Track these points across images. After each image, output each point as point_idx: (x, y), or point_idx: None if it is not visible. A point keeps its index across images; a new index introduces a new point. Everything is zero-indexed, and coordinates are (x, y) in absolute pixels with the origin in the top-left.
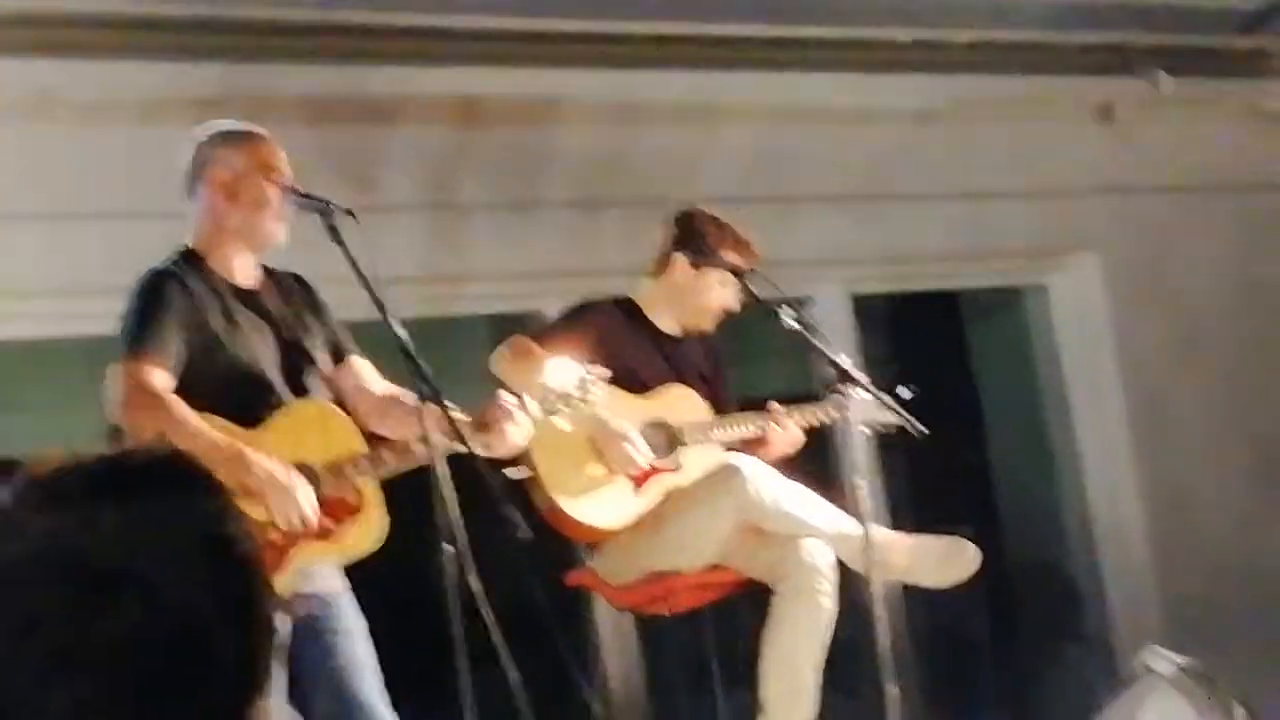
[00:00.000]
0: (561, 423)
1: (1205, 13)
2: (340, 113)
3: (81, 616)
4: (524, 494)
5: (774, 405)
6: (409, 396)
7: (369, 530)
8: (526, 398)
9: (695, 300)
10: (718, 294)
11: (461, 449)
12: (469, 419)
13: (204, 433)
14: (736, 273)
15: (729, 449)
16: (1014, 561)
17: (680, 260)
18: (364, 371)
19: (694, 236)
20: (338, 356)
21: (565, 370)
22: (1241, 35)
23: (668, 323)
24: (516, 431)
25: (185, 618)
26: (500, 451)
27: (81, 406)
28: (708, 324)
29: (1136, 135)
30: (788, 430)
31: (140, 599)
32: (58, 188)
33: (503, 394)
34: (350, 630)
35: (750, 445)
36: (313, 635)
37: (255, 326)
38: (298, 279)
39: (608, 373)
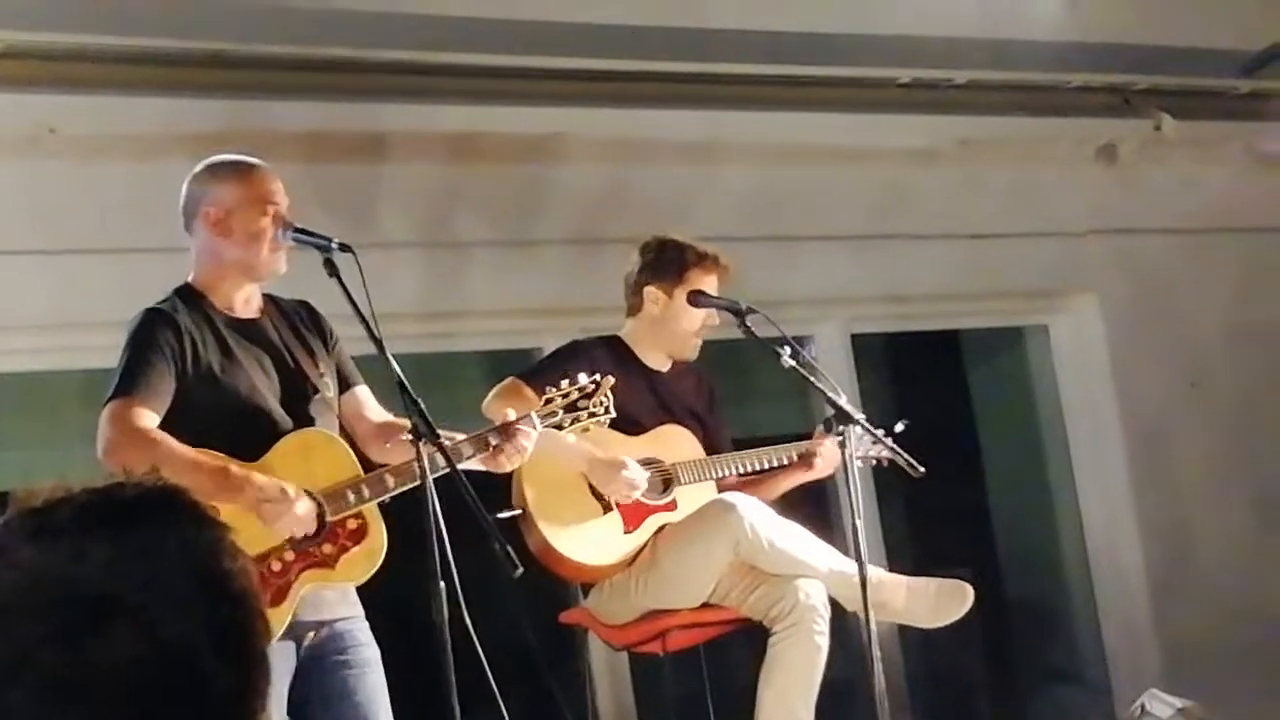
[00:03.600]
0: (569, 436)
1: (1208, 55)
2: (339, 148)
3: (74, 647)
4: (517, 532)
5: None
6: (405, 424)
7: (371, 555)
8: (532, 414)
9: (673, 328)
10: (694, 316)
11: (460, 466)
12: (472, 436)
13: (196, 460)
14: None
15: (726, 488)
16: (1011, 602)
17: (650, 292)
18: (366, 400)
19: (658, 264)
20: (344, 385)
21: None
22: (1243, 78)
23: (655, 358)
24: (517, 452)
25: (178, 649)
26: (502, 466)
27: (77, 440)
28: (691, 351)
29: (1138, 176)
30: (830, 455)
31: (133, 630)
32: (57, 222)
33: (509, 412)
34: (365, 661)
35: (748, 483)
36: (326, 667)
37: (254, 357)
38: (306, 307)
39: (611, 380)
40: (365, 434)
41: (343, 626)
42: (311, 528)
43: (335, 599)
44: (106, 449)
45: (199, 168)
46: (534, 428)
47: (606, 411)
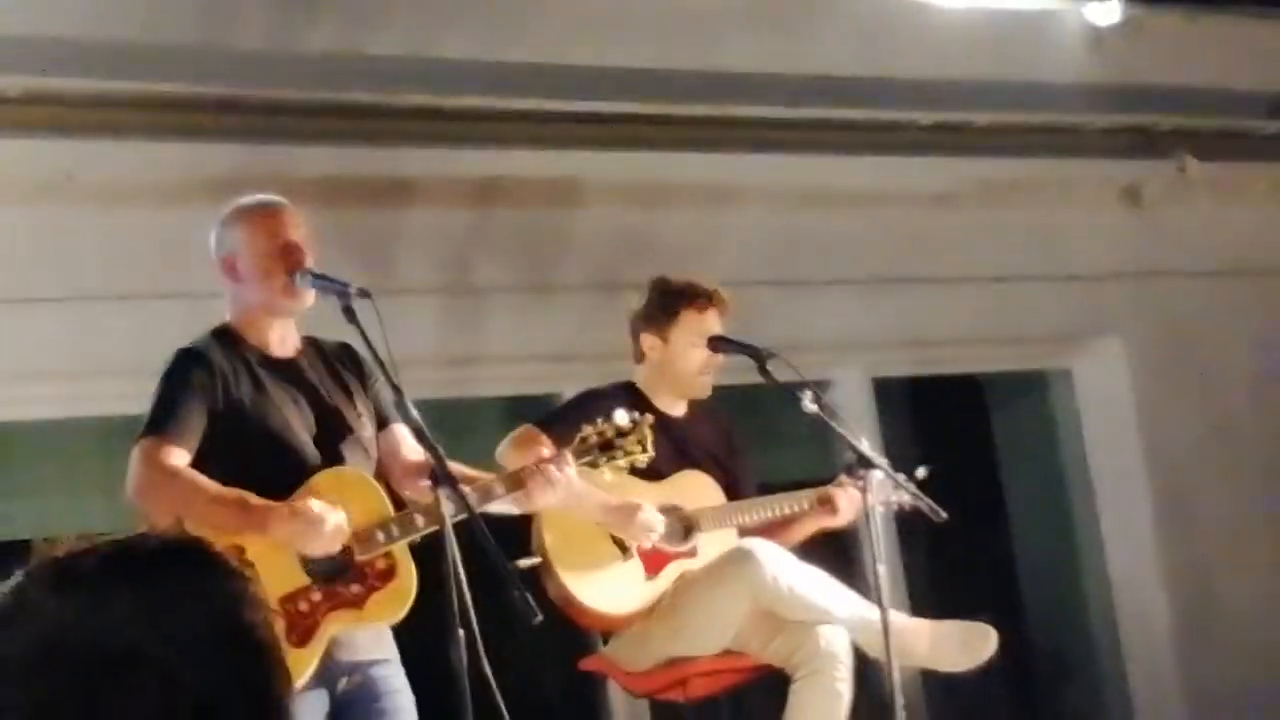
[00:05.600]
0: (605, 474)
1: (1232, 96)
2: (358, 193)
3: (96, 697)
4: (536, 580)
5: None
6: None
7: (400, 595)
8: (566, 452)
9: (677, 371)
10: (693, 357)
11: (490, 507)
12: (503, 475)
13: (218, 495)
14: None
15: (748, 533)
16: (1036, 648)
17: (646, 338)
18: (403, 438)
19: (650, 310)
20: (381, 423)
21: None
22: (1268, 118)
23: (669, 403)
24: (550, 488)
25: (200, 701)
26: (532, 506)
27: (96, 488)
28: (701, 390)
29: (1162, 218)
30: (852, 500)
31: (154, 682)
32: (76, 269)
33: (543, 451)
34: (399, 709)
35: (770, 529)
36: (359, 714)
37: (288, 395)
38: (346, 348)
39: (650, 418)
40: (400, 472)
41: (377, 672)
42: (344, 538)
43: (369, 641)
44: (136, 488)
45: (222, 214)
46: (568, 466)
47: (644, 451)
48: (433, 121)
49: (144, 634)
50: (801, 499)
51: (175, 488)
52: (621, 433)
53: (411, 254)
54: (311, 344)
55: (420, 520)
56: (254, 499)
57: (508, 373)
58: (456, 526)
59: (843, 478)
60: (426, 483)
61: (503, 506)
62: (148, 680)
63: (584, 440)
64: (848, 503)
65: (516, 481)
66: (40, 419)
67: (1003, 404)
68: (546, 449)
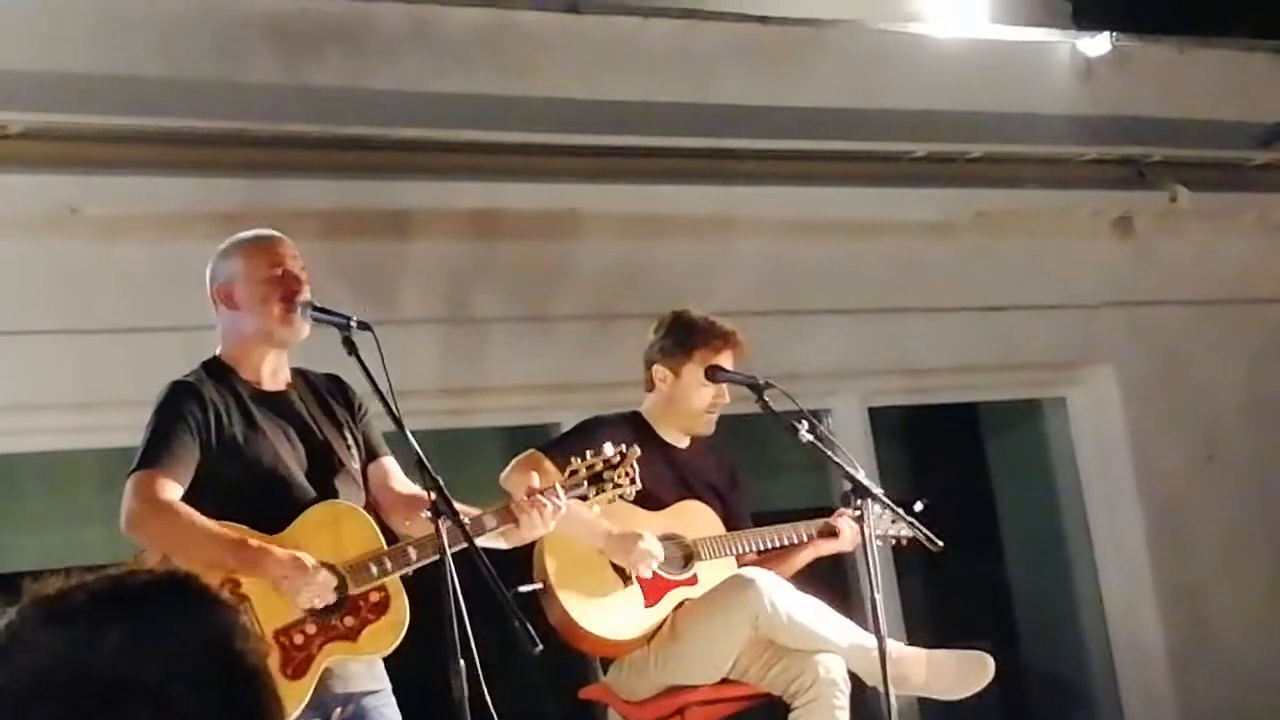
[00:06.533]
0: (595, 507)
1: (1223, 127)
2: (358, 226)
3: None
4: (536, 608)
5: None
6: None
7: (394, 627)
8: (556, 485)
9: (683, 406)
10: (702, 395)
11: (482, 541)
12: (495, 509)
13: (216, 533)
14: (715, 371)
15: (746, 563)
16: (1032, 674)
17: (659, 370)
18: (392, 470)
19: (666, 343)
20: (371, 455)
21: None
22: (1259, 149)
23: (673, 434)
24: (541, 522)
25: None
26: (522, 539)
27: (97, 519)
28: (705, 427)
29: (1154, 248)
30: (853, 530)
31: (147, 707)
32: (79, 301)
33: (534, 477)
34: None
35: (769, 558)
36: None
37: (279, 429)
38: (335, 380)
39: (637, 451)
40: (390, 505)
41: (370, 702)
42: (331, 598)
43: (363, 672)
44: (129, 520)
45: (218, 248)
46: (558, 498)
47: (632, 483)
48: (433, 154)
49: (136, 663)
50: (802, 530)
51: (171, 522)
52: (610, 465)
53: (412, 285)
54: (301, 376)
55: (413, 553)
56: (253, 538)
57: (507, 403)
58: (455, 557)
59: (841, 511)
60: (418, 515)
61: (493, 541)
62: (141, 707)
63: (574, 473)
64: (851, 530)
65: (508, 515)
66: (41, 450)
67: (997, 432)
68: (541, 476)
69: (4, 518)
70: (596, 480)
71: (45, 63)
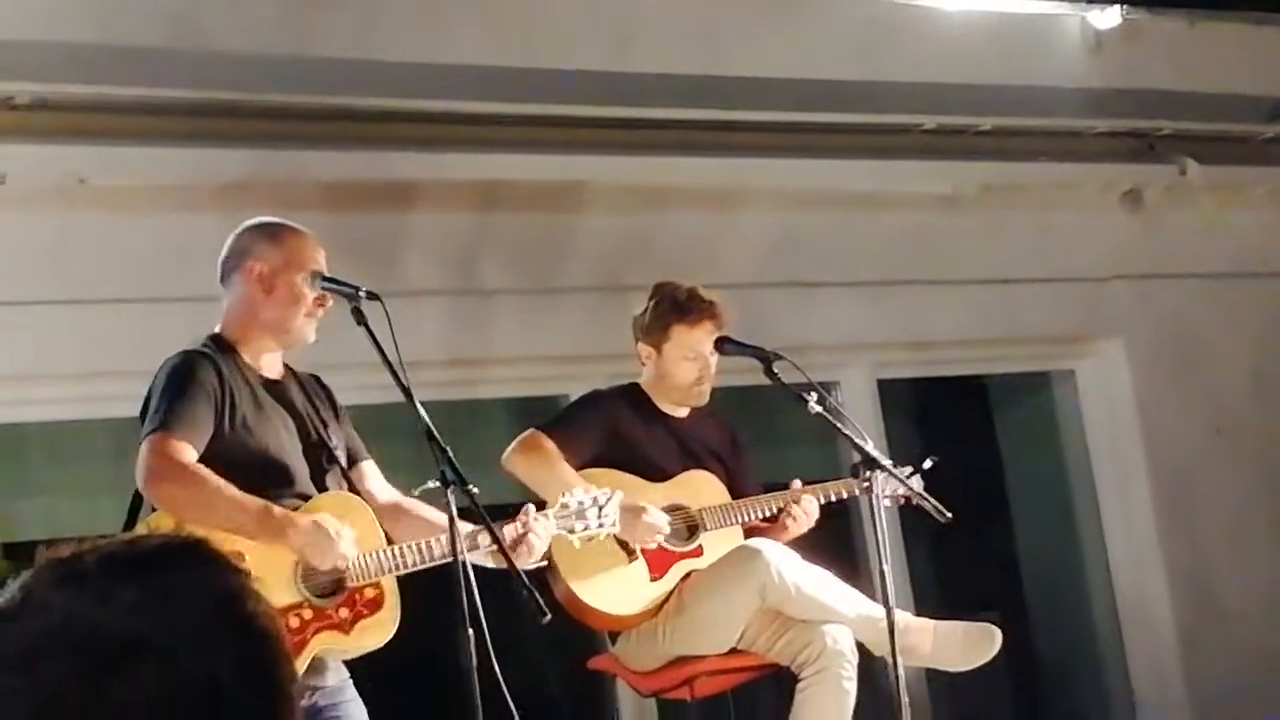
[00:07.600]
0: (575, 542)
1: (1232, 100)
2: (364, 197)
3: (101, 686)
4: (544, 581)
5: (795, 484)
6: (412, 505)
7: (383, 626)
8: (547, 511)
9: (669, 381)
10: (686, 369)
11: (488, 564)
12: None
13: (241, 500)
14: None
15: (750, 532)
16: (1039, 646)
17: (641, 348)
18: (372, 474)
19: (646, 320)
20: (351, 459)
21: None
22: (1269, 122)
23: (669, 405)
24: (539, 545)
25: (205, 684)
26: (529, 564)
27: (105, 489)
28: (698, 398)
29: (1163, 222)
30: (808, 514)
31: (159, 668)
32: (86, 272)
33: (528, 510)
34: (351, 715)
35: (771, 527)
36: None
37: (281, 418)
38: (319, 381)
39: (621, 495)
40: (375, 509)
41: (334, 682)
42: (354, 553)
43: (332, 666)
44: (148, 477)
45: (249, 223)
46: (545, 532)
47: (613, 525)
48: (438, 126)
49: (148, 622)
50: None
51: (196, 485)
52: (599, 504)
53: (417, 257)
54: (291, 373)
55: (410, 557)
56: (276, 508)
57: (514, 374)
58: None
59: (849, 479)
60: (398, 523)
61: (481, 560)
62: (153, 666)
63: (565, 507)
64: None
65: (511, 545)
66: (50, 421)
67: (1006, 405)
68: (541, 455)
69: (11, 487)
70: (582, 517)
71: (53, 33)
